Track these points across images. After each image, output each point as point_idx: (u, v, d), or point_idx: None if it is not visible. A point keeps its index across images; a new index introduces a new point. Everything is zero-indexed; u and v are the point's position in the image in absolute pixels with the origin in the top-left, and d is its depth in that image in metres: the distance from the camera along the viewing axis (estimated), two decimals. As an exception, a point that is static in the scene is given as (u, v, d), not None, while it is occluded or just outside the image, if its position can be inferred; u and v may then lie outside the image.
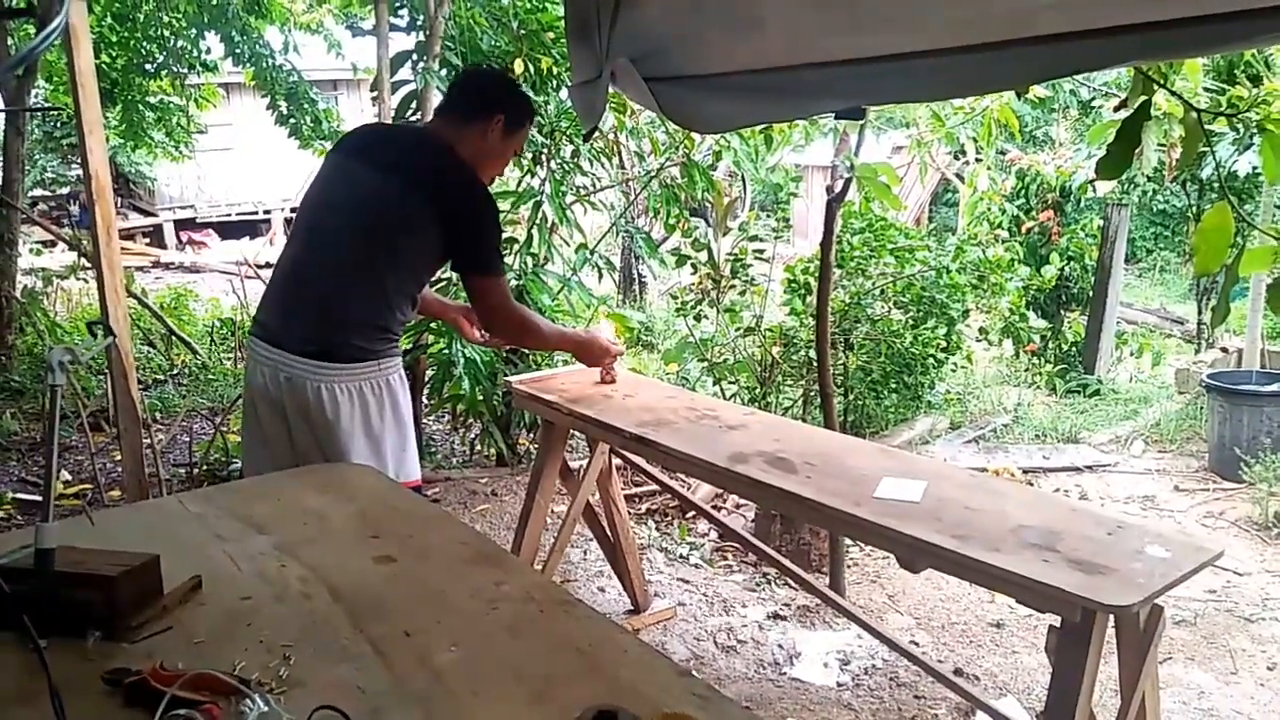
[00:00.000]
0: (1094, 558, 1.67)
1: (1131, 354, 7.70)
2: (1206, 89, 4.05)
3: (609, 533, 3.28)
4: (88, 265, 6.54)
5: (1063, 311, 7.59)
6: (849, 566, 4.00)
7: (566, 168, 4.73)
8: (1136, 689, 1.78)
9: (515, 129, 2.56)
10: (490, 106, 2.50)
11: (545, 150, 4.56)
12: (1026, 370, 7.43)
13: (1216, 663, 3.44)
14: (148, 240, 15.96)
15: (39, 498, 4.62)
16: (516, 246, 4.66)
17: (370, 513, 1.82)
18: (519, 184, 4.78)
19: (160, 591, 1.46)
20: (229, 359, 7.07)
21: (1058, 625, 1.68)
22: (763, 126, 4.73)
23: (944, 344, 5.78)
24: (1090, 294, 7.36)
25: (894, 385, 5.76)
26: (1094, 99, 8.93)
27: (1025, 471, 5.37)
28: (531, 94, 4.45)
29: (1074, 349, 7.44)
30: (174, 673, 1.23)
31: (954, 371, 6.45)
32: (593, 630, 1.40)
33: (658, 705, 1.17)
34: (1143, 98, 2.27)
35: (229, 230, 16.57)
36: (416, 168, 2.42)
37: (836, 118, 2.75)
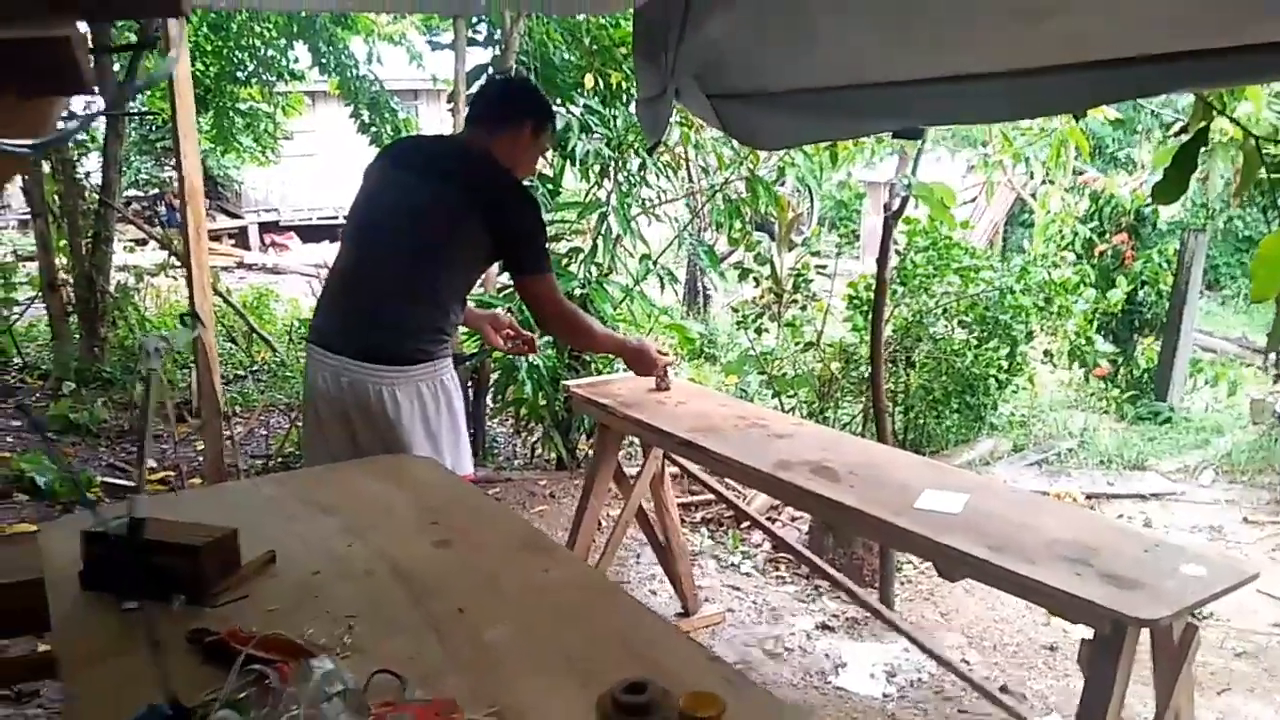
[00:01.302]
0: (1128, 573, 1.70)
1: (1207, 382, 7.52)
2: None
3: (661, 536, 3.36)
4: (177, 263, 6.86)
5: (1136, 336, 7.46)
6: (902, 583, 4.02)
7: (633, 180, 4.84)
8: (1170, 705, 1.80)
9: (541, 131, 2.69)
10: (519, 113, 2.62)
11: (613, 163, 4.67)
12: (1093, 395, 7.31)
13: (1278, 696, 3.38)
14: (233, 241, 16.54)
15: (126, 482, 4.88)
16: (581, 256, 4.78)
17: (430, 501, 1.94)
18: (586, 195, 4.91)
19: (238, 563, 1.59)
20: (304, 357, 7.32)
21: (1090, 639, 1.72)
22: (828, 145, 4.78)
23: (1006, 365, 5.74)
24: (1164, 319, 7.23)
25: (955, 405, 5.73)
26: (1175, 121, 8.75)
27: (1089, 497, 5.30)
28: (600, 107, 4.59)
29: (1146, 375, 7.30)
30: (249, 635, 1.35)
31: (1016, 393, 6.38)
32: (634, 618, 1.49)
33: (690, 685, 1.25)
34: (1202, 123, 2.29)
35: (310, 234, 17.08)
36: (464, 174, 2.54)
37: (894, 136, 2.80)
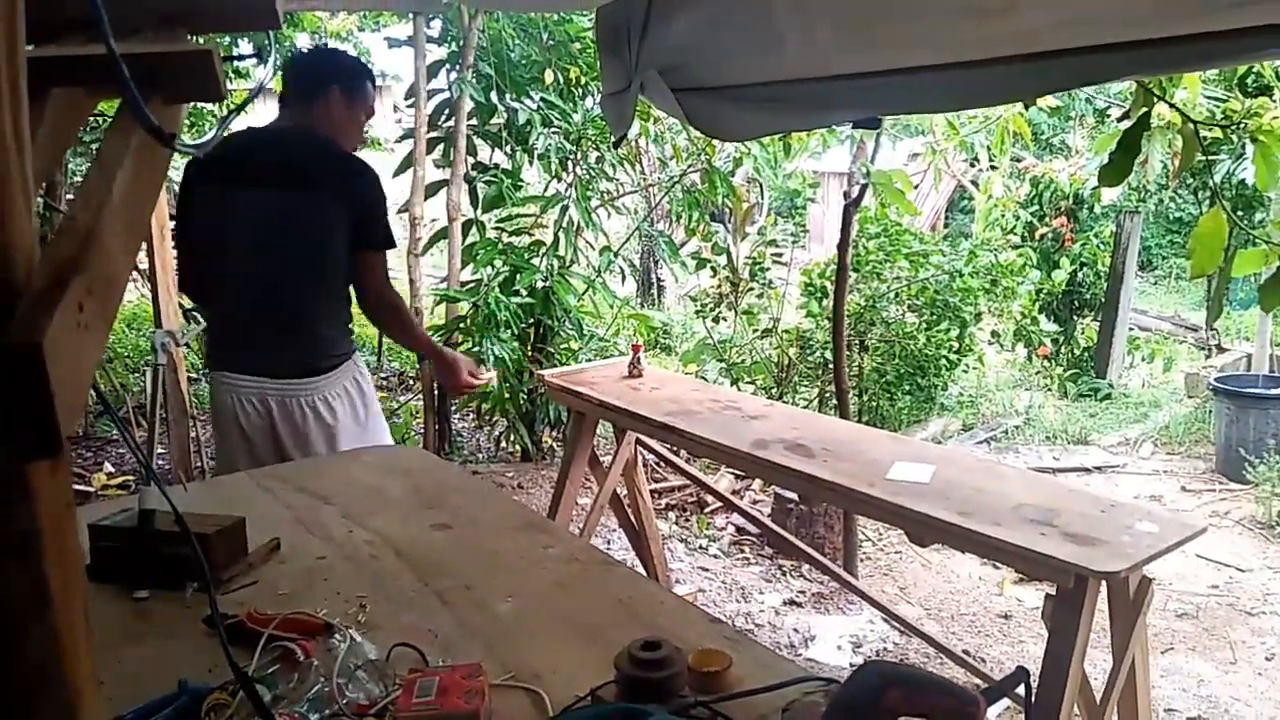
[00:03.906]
0: (1088, 531, 1.82)
1: (1143, 359, 7.80)
2: (1214, 98, 4.19)
3: (634, 520, 3.44)
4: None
5: (1075, 317, 7.71)
6: (862, 560, 4.15)
7: (592, 172, 4.91)
8: (1127, 654, 1.93)
9: (355, 93, 2.60)
10: (322, 82, 2.54)
11: (572, 156, 4.74)
12: (1038, 374, 7.55)
13: (1217, 653, 3.57)
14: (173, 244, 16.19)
15: (83, 488, 4.82)
16: (543, 249, 4.83)
17: (423, 487, 2.00)
18: (546, 188, 4.97)
19: (246, 550, 1.63)
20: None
21: (1053, 594, 1.84)
22: (782, 135, 4.89)
23: (956, 346, 5.92)
24: (1103, 299, 7.49)
25: (907, 387, 5.90)
26: (1109, 108, 9.02)
27: (1035, 472, 5.49)
28: (559, 101, 4.64)
29: (1086, 354, 7.56)
30: (267, 616, 1.40)
31: (966, 373, 6.58)
32: (632, 586, 1.57)
33: (694, 645, 1.33)
34: (1143, 109, 2.43)
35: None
36: (308, 163, 2.48)
37: (854, 127, 2.91)
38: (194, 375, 6.86)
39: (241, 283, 2.50)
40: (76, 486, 4.81)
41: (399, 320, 2.76)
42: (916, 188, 9.26)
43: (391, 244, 2.60)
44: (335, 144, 2.53)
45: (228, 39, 7.59)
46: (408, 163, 4.66)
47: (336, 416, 2.52)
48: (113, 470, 5.07)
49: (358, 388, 2.60)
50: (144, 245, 3.71)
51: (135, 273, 6.89)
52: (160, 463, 4.92)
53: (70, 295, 0.47)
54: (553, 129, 4.62)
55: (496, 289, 4.63)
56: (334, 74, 2.58)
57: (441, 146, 4.77)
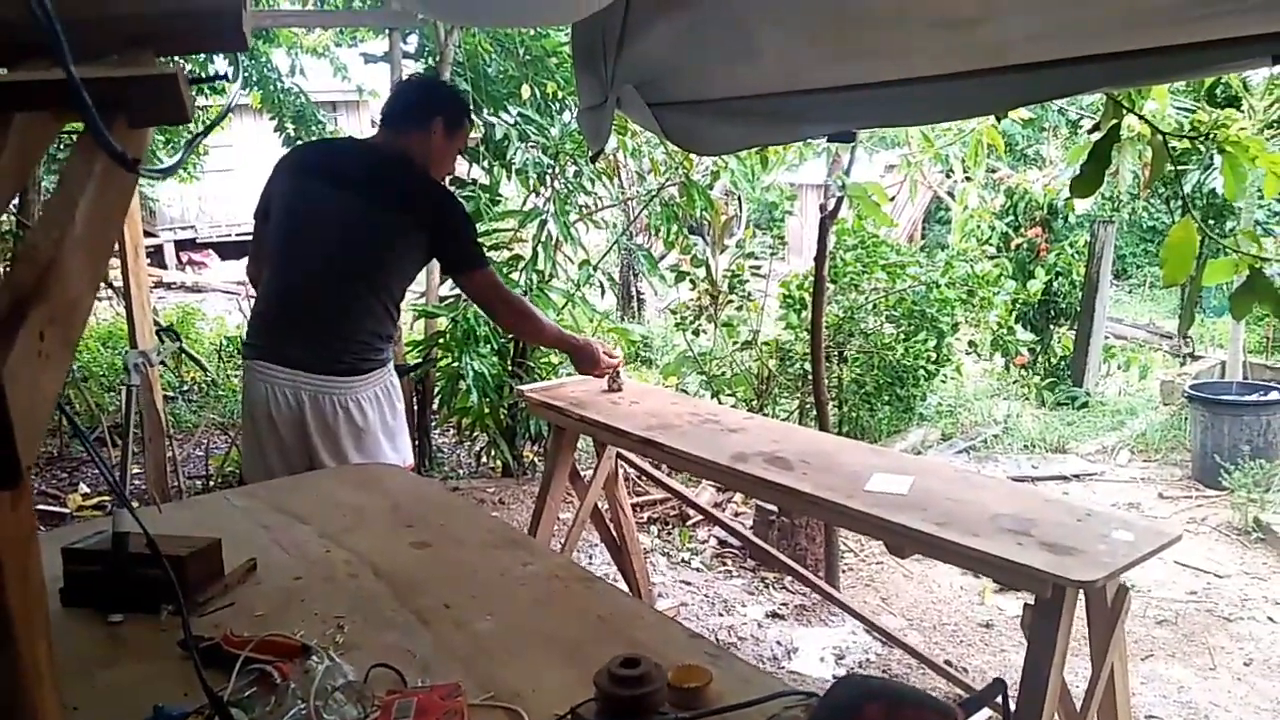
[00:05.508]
0: (1064, 540, 1.83)
1: (1119, 367, 7.88)
2: (1183, 109, 4.26)
3: (615, 535, 3.43)
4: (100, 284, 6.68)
5: (1052, 326, 7.78)
6: (843, 572, 4.16)
7: (570, 187, 4.92)
8: (1105, 662, 1.94)
9: (455, 128, 2.69)
10: (427, 112, 2.63)
11: (550, 170, 4.74)
12: (1015, 383, 7.61)
13: (1196, 659, 3.59)
14: (149, 261, 16.05)
15: (58, 509, 4.76)
16: (522, 264, 4.83)
17: (403, 505, 1.98)
18: (524, 203, 4.97)
19: (222, 572, 1.62)
20: (237, 376, 7.22)
21: (1032, 604, 1.85)
22: (759, 149, 4.92)
23: (934, 356, 5.95)
24: (1078, 308, 7.56)
25: (886, 397, 5.93)
26: (1082, 119, 9.12)
27: (1014, 480, 5.52)
28: (536, 116, 4.65)
29: (1063, 362, 7.62)
30: (243, 638, 1.39)
31: (944, 383, 6.62)
32: (612, 602, 1.57)
33: (674, 661, 1.32)
34: (1113, 121, 2.46)
35: (228, 250, 16.71)
36: (390, 182, 2.56)
37: (829, 140, 2.93)
38: (169, 394, 6.83)
39: (295, 277, 2.57)
40: (51, 508, 4.75)
41: (524, 326, 2.95)
42: (893, 200, 9.35)
43: (483, 262, 2.69)
44: (421, 169, 2.61)
45: (203, 57, 7.57)
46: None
47: (367, 418, 2.57)
48: (88, 491, 5.01)
49: (388, 396, 2.65)
50: (118, 263, 3.67)
51: (109, 290, 6.85)
52: (137, 483, 4.88)
53: (30, 325, 0.46)
54: (530, 144, 4.62)
55: (475, 304, 4.62)
56: (440, 106, 2.66)
57: (419, 162, 4.76)
